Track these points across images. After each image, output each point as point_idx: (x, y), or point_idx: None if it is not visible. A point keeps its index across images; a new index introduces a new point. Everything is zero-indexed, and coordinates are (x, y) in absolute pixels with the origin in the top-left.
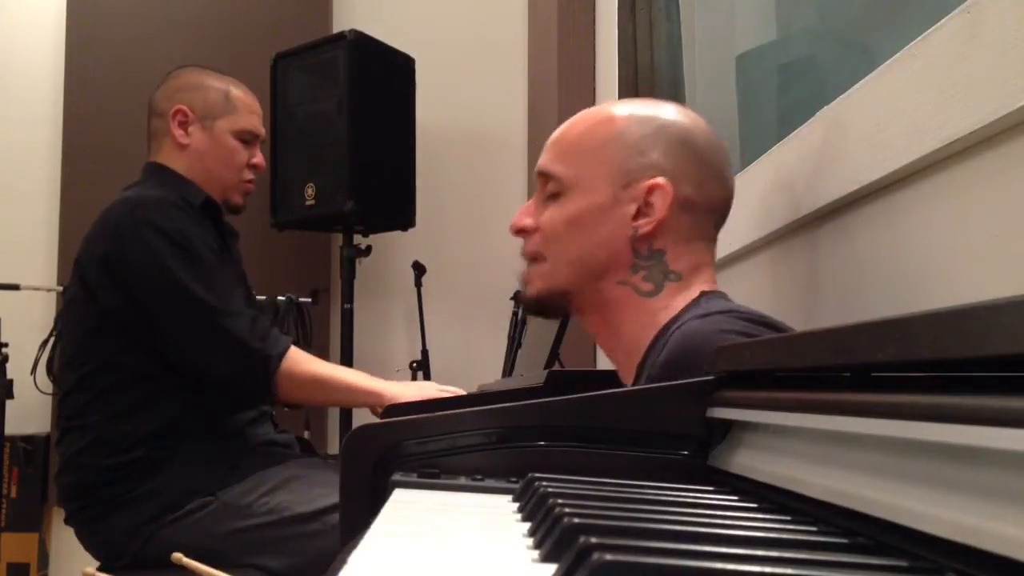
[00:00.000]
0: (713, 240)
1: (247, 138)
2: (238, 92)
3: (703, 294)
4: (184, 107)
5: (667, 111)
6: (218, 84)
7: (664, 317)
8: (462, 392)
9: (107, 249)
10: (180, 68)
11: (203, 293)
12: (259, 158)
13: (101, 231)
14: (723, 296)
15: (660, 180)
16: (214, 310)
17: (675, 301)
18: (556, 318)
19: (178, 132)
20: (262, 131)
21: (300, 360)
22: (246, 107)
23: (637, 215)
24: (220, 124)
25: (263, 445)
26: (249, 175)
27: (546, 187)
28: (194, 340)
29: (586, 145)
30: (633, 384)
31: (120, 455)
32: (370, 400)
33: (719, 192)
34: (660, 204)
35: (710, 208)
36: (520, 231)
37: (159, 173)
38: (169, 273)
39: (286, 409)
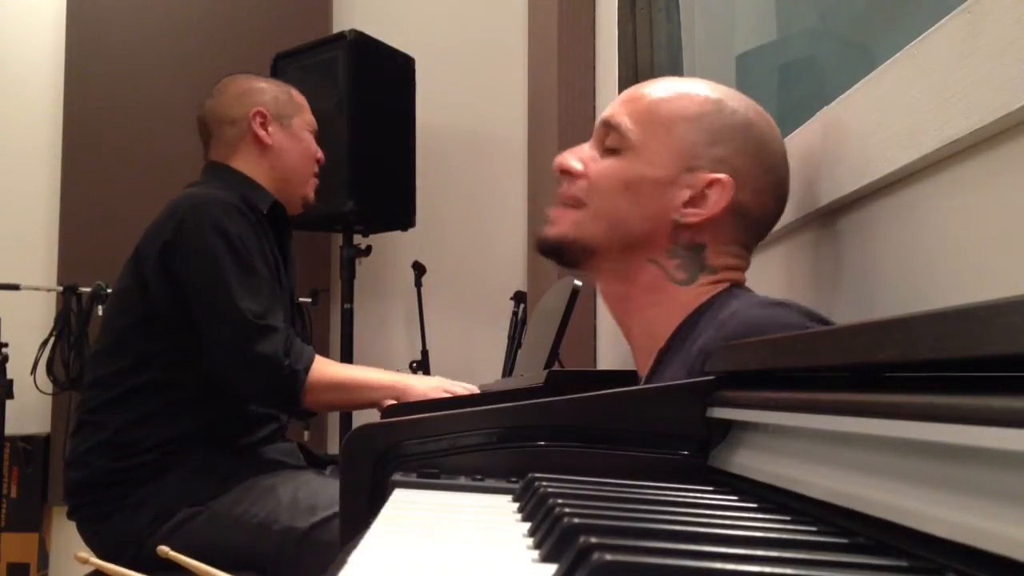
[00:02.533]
0: (751, 248)
1: (313, 132)
2: (295, 92)
3: (733, 285)
4: (262, 108)
5: (754, 110)
6: (277, 86)
7: (693, 306)
8: (475, 389)
9: (167, 239)
10: (226, 78)
11: (247, 303)
12: (320, 152)
13: (164, 223)
14: (752, 292)
15: (724, 177)
16: (251, 324)
17: (707, 292)
18: (567, 266)
19: (262, 133)
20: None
21: (323, 368)
22: (305, 104)
23: (689, 203)
24: (296, 122)
25: (262, 454)
26: (315, 168)
27: (606, 138)
28: (227, 349)
29: (664, 113)
30: (651, 371)
31: (128, 459)
32: (390, 395)
33: (773, 207)
34: (716, 200)
35: (761, 219)
36: (565, 171)
37: (225, 174)
38: (220, 274)
39: (304, 420)
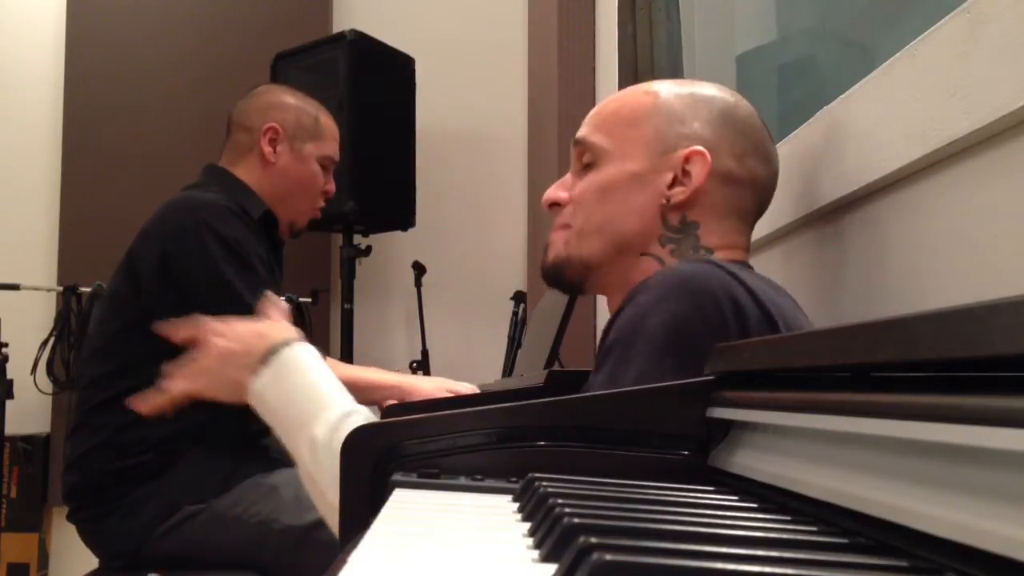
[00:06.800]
0: (751, 222)
1: (327, 164)
2: (326, 119)
3: (734, 263)
4: (276, 125)
5: (708, 88)
6: (309, 107)
7: None
8: (475, 389)
9: (166, 249)
10: (266, 85)
11: (250, 299)
12: (331, 185)
13: (160, 229)
14: (752, 270)
15: (699, 148)
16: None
17: None
18: (569, 292)
19: (268, 150)
20: (338, 158)
21: None
22: (331, 134)
23: (673, 183)
24: (308, 148)
25: (262, 451)
26: (321, 202)
27: (581, 158)
28: None
29: (624, 114)
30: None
31: (126, 459)
32: (395, 395)
33: (762, 169)
34: (698, 172)
35: (752, 183)
36: (552, 204)
37: (222, 178)
38: (224, 281)
39: None
